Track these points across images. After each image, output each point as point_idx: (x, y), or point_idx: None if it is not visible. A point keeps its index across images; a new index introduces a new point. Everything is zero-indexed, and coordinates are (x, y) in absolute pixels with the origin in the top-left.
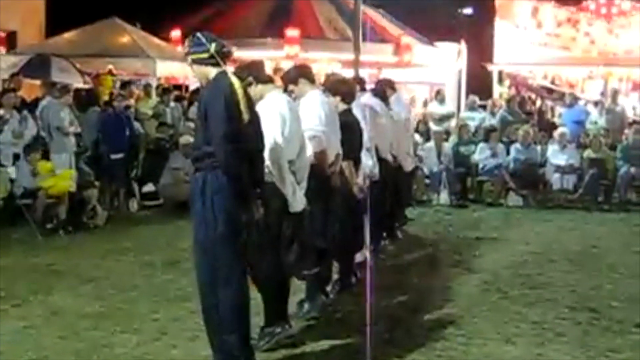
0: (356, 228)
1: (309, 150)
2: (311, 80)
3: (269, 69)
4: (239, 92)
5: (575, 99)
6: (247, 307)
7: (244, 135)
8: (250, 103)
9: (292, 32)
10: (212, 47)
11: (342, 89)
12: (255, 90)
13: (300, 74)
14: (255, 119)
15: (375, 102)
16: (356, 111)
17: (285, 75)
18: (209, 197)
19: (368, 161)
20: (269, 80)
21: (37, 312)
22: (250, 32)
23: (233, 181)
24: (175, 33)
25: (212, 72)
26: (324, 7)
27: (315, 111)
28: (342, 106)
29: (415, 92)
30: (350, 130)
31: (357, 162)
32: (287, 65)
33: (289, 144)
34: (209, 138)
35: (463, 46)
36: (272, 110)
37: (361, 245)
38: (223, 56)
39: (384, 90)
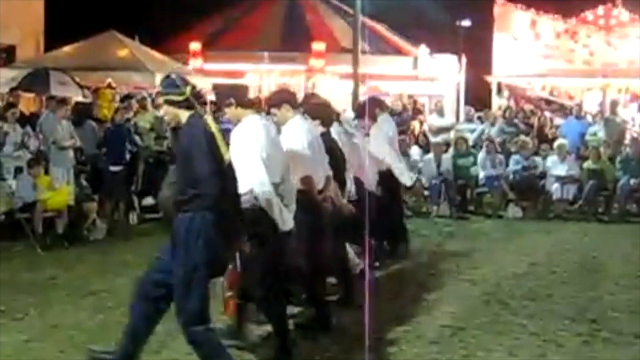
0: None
1: (299, 175)
2: (294, 105)
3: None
4: (217, 134)
5: (581, 110)
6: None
7: (226, 175)
8: (228, 144)
9: (318, 46)
10: (187, 90)
11: (321, 112)
12: (234, 112)
13: (283, 99)
14: (231, 160)
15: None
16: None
17: (268, 99)
18: (196, 237)
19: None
20: (250, 104)
21: (37, 326)
22: (266, 45)
23: (221, 220)
24: (195, 45)
25: (184, 114)
26: (337, 22)
27: (298, 137)
28: (321, 129)
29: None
30: (330, 153)
31: (342, 183)
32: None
33: (270, 167)
34: (193, 180)
35: (450, 57)
36: (248, 134)
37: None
38: (197, 99)
39: (372, 110)
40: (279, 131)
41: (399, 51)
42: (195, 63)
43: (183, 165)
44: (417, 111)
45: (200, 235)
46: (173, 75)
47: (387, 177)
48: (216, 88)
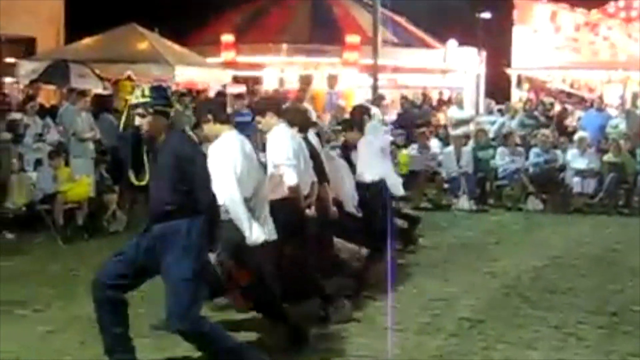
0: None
1: (287, 183)
2: (278, 113)
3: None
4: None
5: (602, 103)
6: None
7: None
8: None
9: (352, 39)
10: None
11: (298, 118)
12: (212, 128)
13: (269, 106)
14: None
15: None
16: None
17: (255, 105)
18: (194, 240)
19: None
20: (226, 120)
21: (58, 317)
22: (294, 38)
23: (214, 226)
24: (228, 37)
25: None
26: (363, 14)
27: (284, 146)
28: (299, 135)
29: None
30: (312, 158)
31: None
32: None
33: (243, 182)
34: (189, 188)
35: (470, 49)
36: (224, 151)
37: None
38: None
39: (360, 119)
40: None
41: (426, 44)
42: (227, 55)
43: (171, 174)
44: (441, 102)
45: (202, 238)
46: (166, 88)
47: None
48: (199, 102)
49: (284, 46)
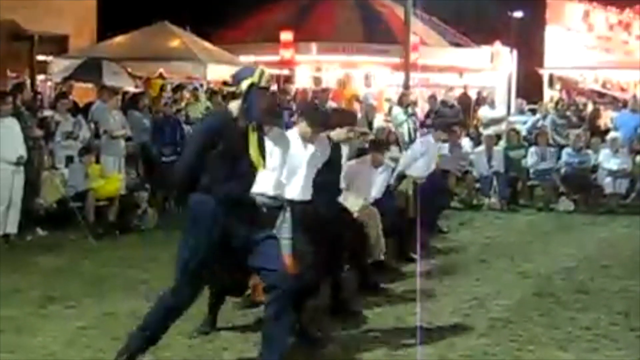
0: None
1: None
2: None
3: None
4: None
5: (636, 103)
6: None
7: None
8: None
9: (413, 39)
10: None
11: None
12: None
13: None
14: None
15: None
16: None
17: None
18: None
19: None
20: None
21: (90, 314)
22: (348, 38)
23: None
24: (286, 36)
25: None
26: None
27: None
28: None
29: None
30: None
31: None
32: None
33: None
34: None
35: (505, 49)
36: None
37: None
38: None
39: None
40: None
41: (468, 44)
42: (285, 54)
43: None
44: (481, 100)
45: None
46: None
47: None
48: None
49: (341, 45)
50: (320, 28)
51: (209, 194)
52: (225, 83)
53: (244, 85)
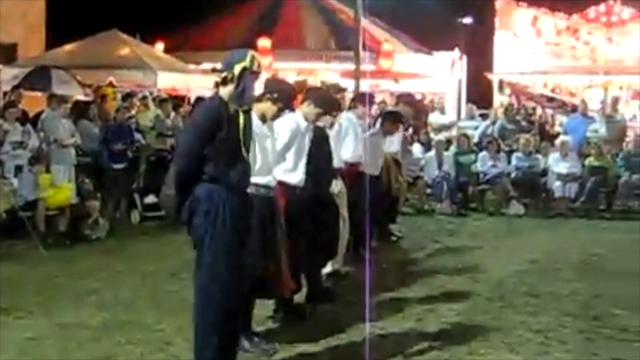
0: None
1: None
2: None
3: None
4: None
5: (586, 107)
6: None
7: None
8: None
9: (387, 47)
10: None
11: None
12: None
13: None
14: None
15: None
16: None
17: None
18: None
19: None
20: None
21: (40, 324)
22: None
23: None
24: (265, 42)
25: None
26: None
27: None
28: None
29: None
30: None
31: None
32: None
33: None
34: None
35: (456, 54)
36: None
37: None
38: None
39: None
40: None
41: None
42: (264, 61)
43: None
44: (432, 106)
45: None
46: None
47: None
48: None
49: (317, 52)
50: (278, 34)
51: (216, 183)
52: (214, 70)
53: (237, 69)
